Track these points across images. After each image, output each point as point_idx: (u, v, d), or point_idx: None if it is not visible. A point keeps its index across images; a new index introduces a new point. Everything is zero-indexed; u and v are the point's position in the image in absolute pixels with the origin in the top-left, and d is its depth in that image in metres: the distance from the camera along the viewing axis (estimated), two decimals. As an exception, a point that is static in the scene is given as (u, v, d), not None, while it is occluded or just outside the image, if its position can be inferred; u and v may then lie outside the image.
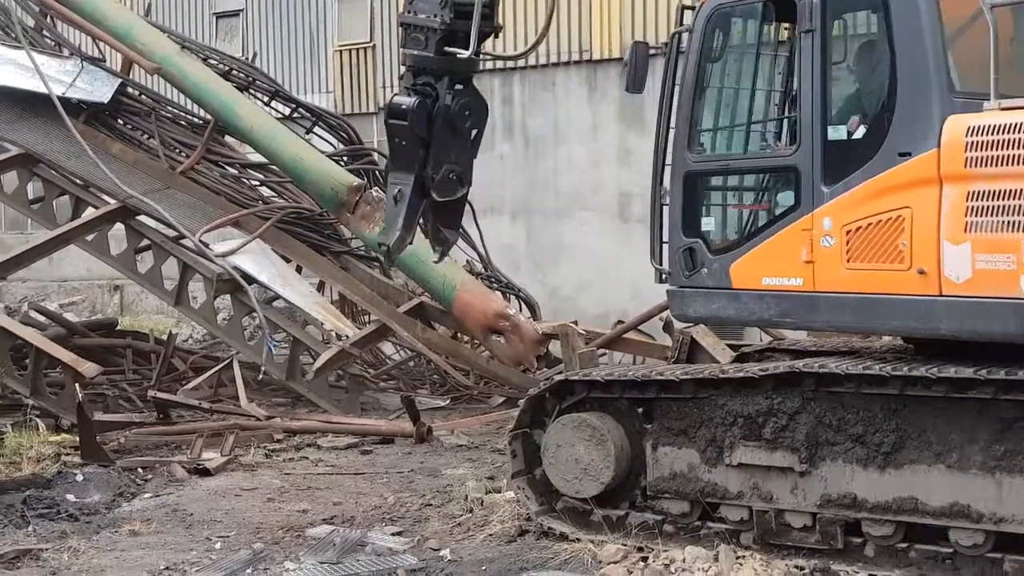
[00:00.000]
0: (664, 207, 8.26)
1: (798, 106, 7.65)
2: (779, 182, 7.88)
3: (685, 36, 8.20)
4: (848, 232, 7.34)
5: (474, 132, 9.40)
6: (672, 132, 8.23)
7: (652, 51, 8.82)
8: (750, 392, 7.67)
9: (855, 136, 7.46)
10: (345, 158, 16.39)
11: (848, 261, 7.35)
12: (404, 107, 9.06)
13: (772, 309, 7.73)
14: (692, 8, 8.30)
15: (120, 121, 16.08)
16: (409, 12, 9.35)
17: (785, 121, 8.14)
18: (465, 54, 8.87)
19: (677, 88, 8.21)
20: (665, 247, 8.27)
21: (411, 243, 9.42)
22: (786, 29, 8.25)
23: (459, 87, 9.12)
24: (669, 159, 8.25)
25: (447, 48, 9.01)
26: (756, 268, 7.78)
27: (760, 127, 8.36)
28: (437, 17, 9.12)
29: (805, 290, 7.54)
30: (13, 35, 15.46)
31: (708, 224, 8.19)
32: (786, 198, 7.74)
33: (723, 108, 8.32)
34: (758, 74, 8.25)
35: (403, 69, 9.21)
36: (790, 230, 7.60)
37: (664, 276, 8.28)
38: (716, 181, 8.32)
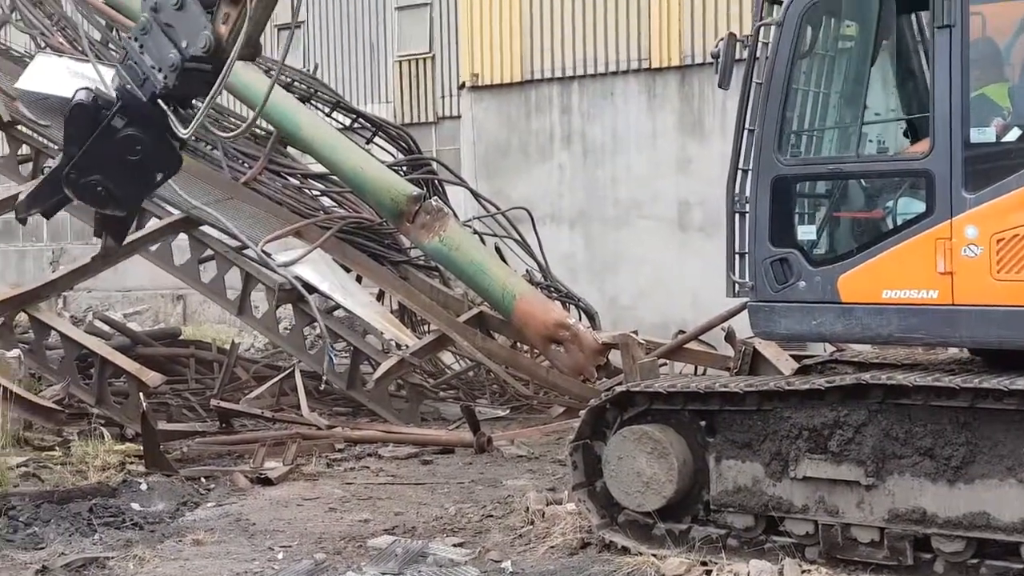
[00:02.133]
0: (739, 215, 7.87)
1: (932, 106, 7.21)
2: (904, 187, 7.46)
3: (768, 30, 7.80)
4: (999, 241, 6.95)
5: (159, 176, 9.69)
6: (748, 134, 7.81)
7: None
8: (815, 404, 7.53)
9: (1006, 138, 7.08)
10: (405, 168, 16.46)
11: (998, 272, 6.97)
12: (79, 102, 9.39)
13: (894, 324, 7.33)
14: (778, 1, 7.88)
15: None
16: (137, 41, 9.36)
17: (912, 122, 7.75)
18: (184, 133, 9.00)
19: (756, 86, 7.79)
20: (740, 258, 7.87)
21: (45, 217, 10.00)
22: (907, 22, 7.91)
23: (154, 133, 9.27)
24: (744, 163, 7.84)
25: (159, 102, 9.08)
26: (874, 281, 7.36)
27: (874, 128, 7.94)
28: (161, 75, 9.15)
29: (941, 303, 7.14)
30: (81, 48, 15.67)
31: (806, 233, 7.77)
32: (914, 205, 7.33)
33: (822, 108, 7.91)
34: (868, 71, 7.81)
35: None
36: (921, 239, 7.18)
37: (739, 289, 7.90)
38: (815, 186, 7.89)
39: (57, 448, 11.86)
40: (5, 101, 15.74)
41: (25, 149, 16.24)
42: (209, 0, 9.04)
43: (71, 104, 9.59)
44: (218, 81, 9.00)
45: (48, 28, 17.00)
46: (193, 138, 15.95)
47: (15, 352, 12.80)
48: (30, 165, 16.13)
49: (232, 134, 12.02)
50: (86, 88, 9.61)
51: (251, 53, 8.77)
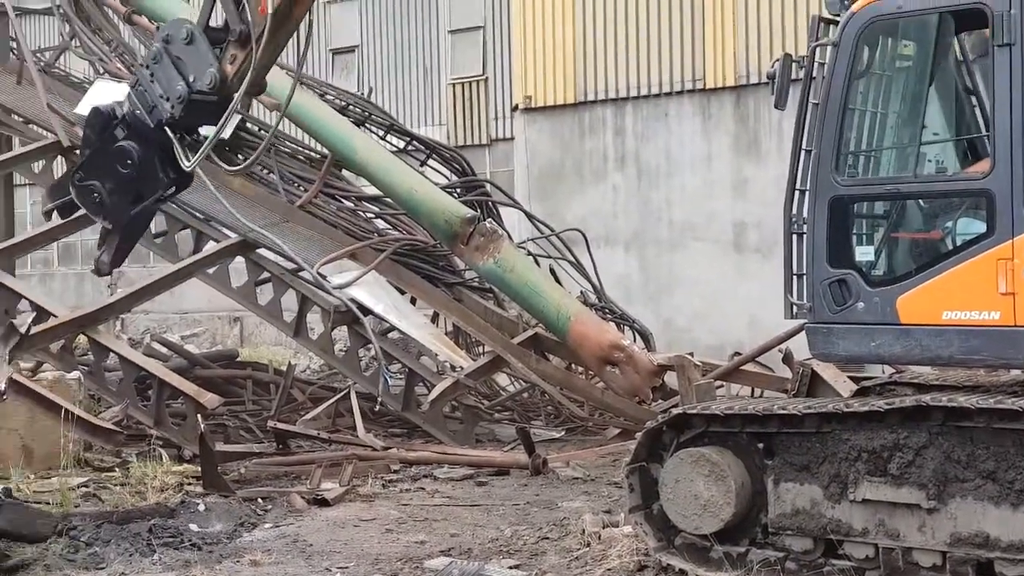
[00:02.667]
0: (796, 236, 7.82)
1: (992, 126, 7.17)
2: (964, 207, 7.39)
3: (824, 51, 7.75)
4: None
5: (144, 199, 9.95)
6: (805, 155, 7.76)
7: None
8: (875, 426, 7.46)
9: None
10: (458, 190, 16.52)
11: None
12: (96, 108, 9.88)
13: (955, 346, 7.23)
14: (834, 21, 7.88)
15: (240, 156, 16.38)
16: (147, 69, 9.70)
17: (972, 142, 7.69)
18: (187, 166, 9.40)
19: (812, 107, 7.75)
20: (797, 279, 7.81)
21: (60, 216, 10.46)
22: (966, 41, 7.85)
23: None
24: (801, 183, 7.79)
25: (166, 130, 9.45)
26: (933, 302, 7.29)
27: (933, 148, 7.86)
28: (169, 104, 9.52)
29: (1003, 324, 7.04)
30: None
31: (864, 254, 7.70)
32: (974, 225, 7.26)
33: (880, 128, 7.87)
34: (927, 90, 7.76)
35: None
36: (981, 259, 7.10)
37: (797, 310, 7.84)
38: (873, 207, 7.84)
39: (116, 469, 11.98)
40: (65, 126, 15.97)
41: (85, 173, 16.41)
42: (218, 37, 9.43)
43: (92, 107, 9.98)
44: (223, 119, 9.42)
45: (106, 54, 17.25)
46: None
47: (75, 374, 12.94)
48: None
49: (244, 164, 12.36)
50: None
51: (256, 91, 9.16)
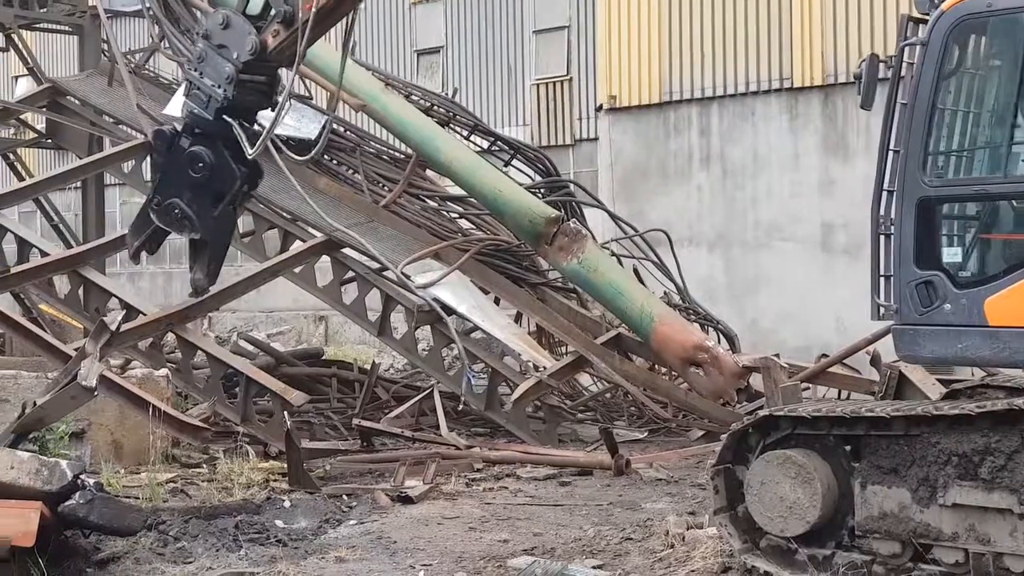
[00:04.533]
0: (883, 236, 7.75)
1: None
2: None
3: (912, 50, 7.67)
4: None
5: (224, 196, 10.35)
6: (893, 155, 7.68)
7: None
8: (965, 430, 7.33)
9: None
10: (542, 190, 16.53)
11: None
12: (158, 129, 10.56)
13: None
14: (923, 20, 7.79)
15: (326, 157, 16.55)
16: (196, 70, 10.24)
17: None
18: (251, 153, 9.87)
19: (900, 107, 7.67)
20: (885, 280, 7.74)
21: (148, 252, 10.90)
22: None
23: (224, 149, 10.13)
24: (888, 184, 7.72)
25: (225, 117, 10.01)
26: (1023, 304, 7.21)
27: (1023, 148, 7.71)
28: (221, 89, 10.01)
29: None
30: (226, 75, 16.06)
31: (952, 255, 7.64)
32: None
33: (969, 128, 7.78)
34: (1017, 90, 7.59)
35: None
36: None
37: (884, 312, 7.77)
38: (962, 207, 7.75)
39: (204, 465, 12.15)
40: (153, 127, 16.20)
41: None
42: (254, 19, 9.96)
43: (152, 131, 10.55)
44: (280, 106, 10.00)
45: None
46: (335, 162, 16.44)
47: (164, 371, 13.13)
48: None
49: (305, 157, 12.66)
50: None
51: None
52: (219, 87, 10.12)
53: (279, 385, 12.68)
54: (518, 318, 16.17)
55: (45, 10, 19.12)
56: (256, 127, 10.56)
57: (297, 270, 15.24)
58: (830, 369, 13.36)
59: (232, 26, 10.21)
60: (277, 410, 12.49)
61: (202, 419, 12.64)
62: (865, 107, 7.93)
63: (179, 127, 10.49)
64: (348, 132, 16.93)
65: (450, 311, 14.47)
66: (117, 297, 14.03)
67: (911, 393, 9.32)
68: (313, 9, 9.63)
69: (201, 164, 10.21)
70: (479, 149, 16.91)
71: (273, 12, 9.92)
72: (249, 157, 10.04)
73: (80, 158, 17.90)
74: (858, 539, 7.84)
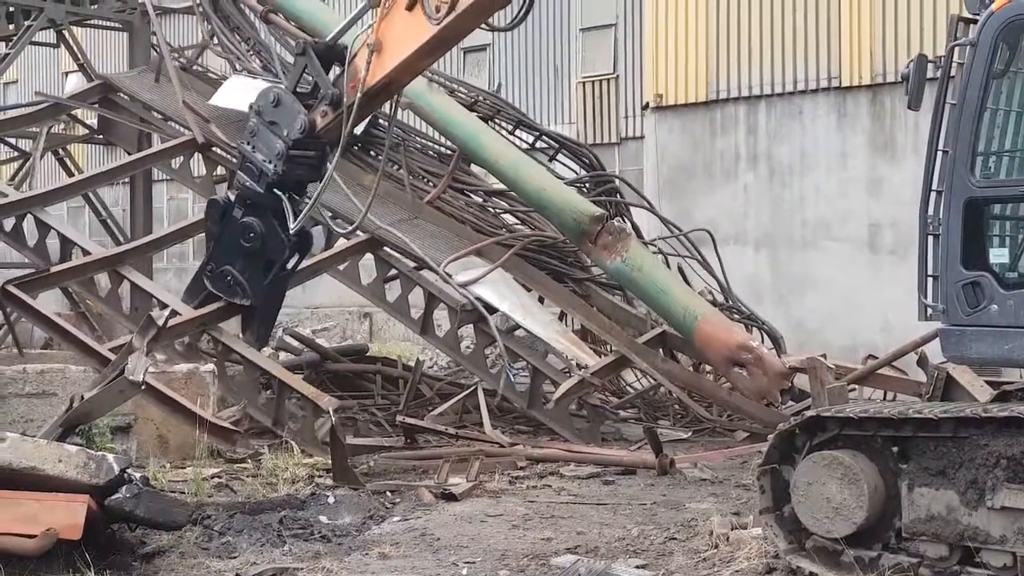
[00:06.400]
0: (931, 237, 7.73)
1: None
2: None
3: (962, 50, 7.65)
4: None
5: (274, 265, 11.43)
6: (941, 155, 7.67)
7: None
8: (1015, 432, 7.26)
9: None
10: (587, 184, 16.49)
11: None
12: (212, 199, 11.67)
13: None
14: (973, 20, 7.77)
15: (372, 153, 16.58)
16: (248, 144, 11.05)
17: None
18: (292, 227, 10.97)
19: (948, 107, 7.66)
20: (932, 281, 7.73)
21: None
22: None
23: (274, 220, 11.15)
24: (936, 184, 7.70)
25: (275, 191, 10.95)
26: None
27: None
28: (271, 164, 10.82)
29: None
30: (274, 71, 16.17)
31: (999, 256, 7.63)
32: None
33: (1018, 128, 7.77)
34: None
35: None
36: None
37: (931, 312, 7.76)
38: (1010, 208, 7.74)
39: (248, 460, 12.19)
40: (199, 123, 16.32)
41: (221, 170, 16.80)
42: (304, 96, 10.84)
43: (208, 200, 11.67)
44: (326, 177, 10.88)
45: (244, 53, 17.59)
46: (380, 159, 16.47)
47: (209, 366, 13.08)
48: (225, 185, 16.68)
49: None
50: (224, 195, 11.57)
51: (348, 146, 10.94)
52: (270, 162, 10.78)
53: (311, 390, 12.62)
54: (562, 315, 16.14)
55: (96, 7, 19.29)
56: (306, 199, 11.30)
57: (341, 267, 15.29)
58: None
59: (283, 104, 10.92)
60: (310, 413, 12.48)
61: (232, 421, 12.56)
62: (913, 108, 7.93)
63: (231, 195, 11.19)
64: (395, 129, 16.96)
65: (492, 309, 14.46)
66: (155, 297, 14.01)
67: (959, 395, 9.25)
68: (359, 94, 10.22)
69: (252, 234, 11.14)
70: (524, 144, 16.88)
71: (321, 94, 10.61)
72: (291, 230, 11.00)
73: (129, 154, 18.03)
74: (905, 541, 7.78)
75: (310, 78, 11.12)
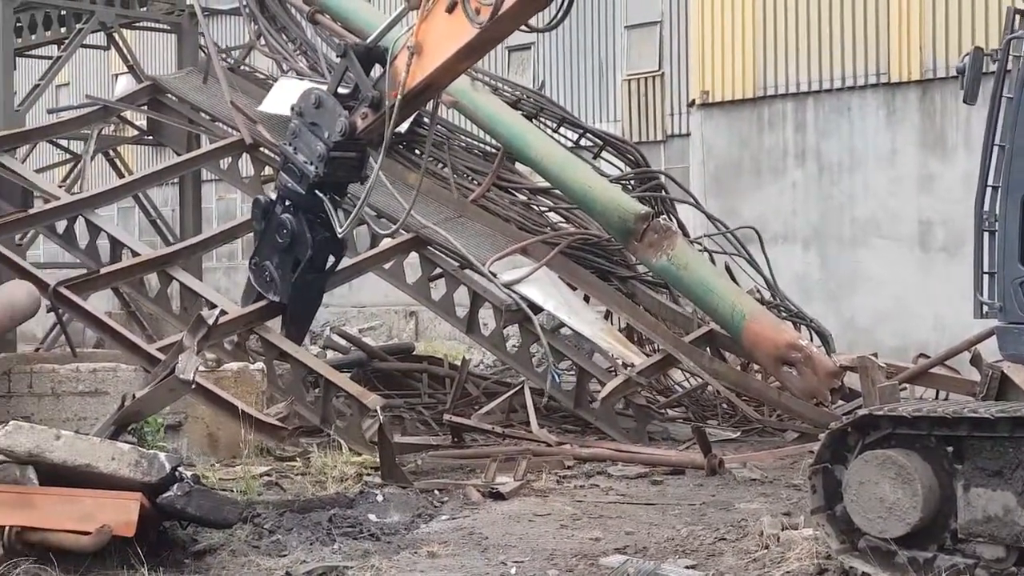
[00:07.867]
0: (987, 233, 7.65)
1: None
2: None
3: (1018, 43, 7.60)
4: None
5: (300, 263, 11.65)
6: (998, 150, 7.58)
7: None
8: (1073, 433, 7.15)
9: None
10: (632, 181, 16.42)
11: None
12: (256, 198, 12.03)
13: None
14: None
15: (417, 152, 16.59)
16: (290, 146, 11.21)
17: None
18: (341, 231, 11.14)
19: (1005, 101, 7.58)
20: (988, 277, 7.65)
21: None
22: None
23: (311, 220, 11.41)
24: (992, 180, 7.62)
25: (316, 192, 11.18)
26: None
27: None
28: (313, 166, 10.96)
29: None
30: (320, 71, 16.23)
31: None
32: None
33: None
34: None
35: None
36: None
37: (987, 310, 7.66)
38: None
39: (297, 459, 12.23)
40: (247, 124, 16.39)
41: (268, 170, 16.86)
42: (345, 97, 10.92)
43: (253, 200, 12.05)
44: (370, 180, 10.99)
45: (291, 53, 17.65)
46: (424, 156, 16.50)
47: (259, 364, 13.14)
48: (272, 185, 16.75)
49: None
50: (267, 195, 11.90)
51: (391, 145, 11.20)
52: (311, 164, 10.92)
53: (357, 388, 12.63)
54: (608, 314, 16.07)
55: (145, 9, 19.42)
56: (348, 199, 11.58)
57: (387, 266, 15.30)
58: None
59: (324, 106, 11.02)
60: (356, 412, 12.49)
61: (279, 419, 12.59)
62: (969, 102, 7.83)
63: (274, 195, 11.50)
64: (438, 126, 16.96)
65: (537, 309, 14.43)
66: (204, 297, 14.04)
67: (1014, 394, 9.09)
68: (399, 96, 10.29)
69: (285, 230, 11.31)
70: (568, 142, 16.83)
71: (362, 96, 10.71)
72: (340, 235, 11.17)
73: (178, 155, 18.15)
74: (961, 542, 7.67)
75: (352, 79, 11.17)
